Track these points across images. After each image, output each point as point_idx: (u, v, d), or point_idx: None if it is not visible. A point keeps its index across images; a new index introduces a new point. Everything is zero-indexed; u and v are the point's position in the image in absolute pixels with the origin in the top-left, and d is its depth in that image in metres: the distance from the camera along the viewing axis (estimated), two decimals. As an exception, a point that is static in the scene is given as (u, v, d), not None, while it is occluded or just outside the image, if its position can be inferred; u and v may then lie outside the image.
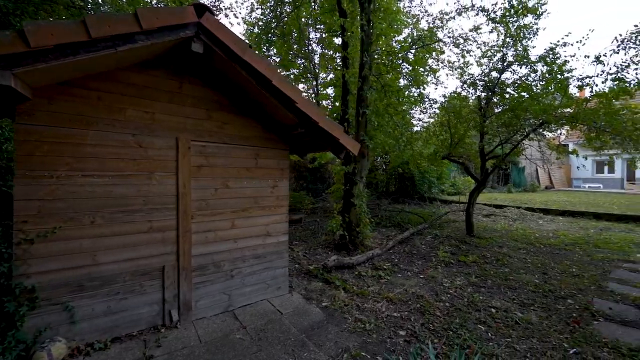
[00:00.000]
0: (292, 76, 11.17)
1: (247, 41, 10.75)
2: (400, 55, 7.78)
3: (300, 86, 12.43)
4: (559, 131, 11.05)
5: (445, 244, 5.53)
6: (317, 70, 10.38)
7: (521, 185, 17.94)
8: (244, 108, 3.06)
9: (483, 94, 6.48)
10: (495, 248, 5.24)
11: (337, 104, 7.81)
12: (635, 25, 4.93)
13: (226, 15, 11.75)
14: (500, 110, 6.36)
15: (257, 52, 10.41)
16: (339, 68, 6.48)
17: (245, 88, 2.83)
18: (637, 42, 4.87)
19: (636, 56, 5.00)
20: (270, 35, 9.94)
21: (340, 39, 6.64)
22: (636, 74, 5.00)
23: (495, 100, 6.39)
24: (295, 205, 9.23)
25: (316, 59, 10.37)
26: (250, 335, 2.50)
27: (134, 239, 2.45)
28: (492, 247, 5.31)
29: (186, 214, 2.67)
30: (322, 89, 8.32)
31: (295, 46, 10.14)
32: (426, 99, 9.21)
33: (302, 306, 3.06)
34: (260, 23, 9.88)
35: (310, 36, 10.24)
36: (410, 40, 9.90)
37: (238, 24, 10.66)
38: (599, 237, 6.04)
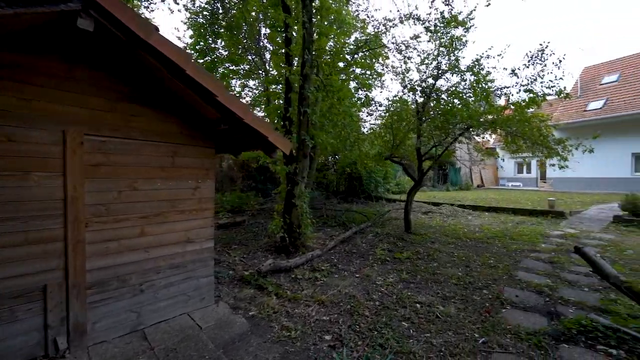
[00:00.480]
0: (241, 72, 10.67)
1: (189, 30, 9.91)
2: (344, 56, 7.89)
3: (251, 83, 11.96)
4: (487, 136, 12.27)
5: (384, 242, 5.72)
6: (269, 67, 10.05)
7: (457, 184, 19.71)
8: (158, 100, 2.72)
9: (420, 99, 6.86)
10: (429, 244, 5.57)
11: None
12: (540, 44, 5.62)
13: (162, 1, 10.74)
14: (434, 114, 6.79)
15: (201, 42, 9.81)
16: (282, 65, 6.30)
17: (157, 77, 2.51)
18: (541, 60, 5.57)
19: (542, 71, 5.72)
20: (216, 26, 9.35)
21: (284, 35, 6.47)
22: (541, 86, 5.72)
23: (431, 105, 6.81)
24: (240, 207, 8.82)
25: (268, 55, 10.04)
26: (158, 358, 2.20)
27: (2, 254, 1.99)
28: (425, 243, 5.63)
29: (78, 221, 2.26)
30: (267, 85, 8.02)
31: (245, 41, 9.68)
32: (373, 102, 9.55)
33: (226, 317, 2.83)
34: (205, 12, 9.24)
35: (262, 32, 9.88)
36: (357, 43, 10.15)
37: (179, 10, 9.72)
38: (514, 230, 6.81)
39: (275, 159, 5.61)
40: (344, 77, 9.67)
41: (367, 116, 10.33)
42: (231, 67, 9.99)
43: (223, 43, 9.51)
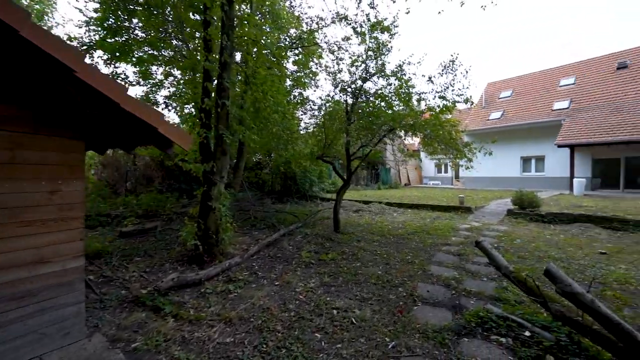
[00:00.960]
0: (167, 58, 9.34)
1: (92, 3, 8.24)
2: (278, 51, 7.51)
3: (177, 72, 10.61)
4: (410, 139, 13.21)
5: (312, 243, 5.56)
6: (197, 54, 8.99)
7: (388, 183, 21.13)
8: (-16, 71, 1.97)
9: (350, 100, 6.93)
10: (355, 243, 5.60)
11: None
12: (451, 55, 6.16)
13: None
14: (362, 115, 6.94)
15: (111, 18, 8.23)
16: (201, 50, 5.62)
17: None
18: (452, 70, 6.11)
19: (453, 80, 6.28)
20: (130, 5, 7.96)
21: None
22: (452, 94, 6.28)
23: (359, 106, 6.93)
24: (156, 210, 7.72)
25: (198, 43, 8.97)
26: None
27: None
28: (352, 242, 5.66)
29: None
30: (183, 73, 7.12)
31: (171, 25, 8.46)
32: (307, 101, 9.40)
33: (97, 356, 2.23)
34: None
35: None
36: (291, 39, 9.85)
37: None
38: (432, 225, 7.40)
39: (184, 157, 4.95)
40: (278, 73, 9.34)
41: (301, 115, 10.17)
42: (151, 52, 8.68)
43: (141, 23, 8.18)
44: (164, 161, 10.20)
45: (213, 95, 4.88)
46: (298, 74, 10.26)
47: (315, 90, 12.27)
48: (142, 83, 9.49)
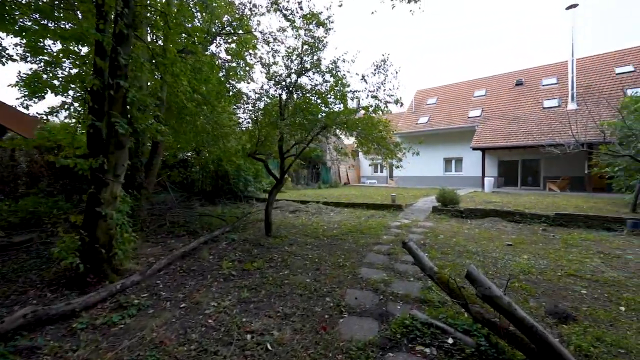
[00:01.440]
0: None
1: None
2: (186, 29, 6.60)
3: (84, 50, 8.61)
4: (349, 137, 13.36)
5: (237, 250, 4.96)
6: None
7: (328, 182, 21.35)
8: None
9: (284, 95, 6.49)
10: (286, 247, 5.19)
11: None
12: (382, 55, 6.20)
13: None
14: (296, 111, 6.56)
15: None
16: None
17: None
18: (383, 69, 6.15)
19: (384, 80, 6.33)
20: None
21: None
22: (384, 94, 6.34)
23: (295, 102, 6.54)
24: (39, 218, 6.10)
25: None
26: None
27: None
28: (283, 246, 5.24)
29: None
30: (64, 43, 5.69)
31: None
32: (242, 95, 8.62)
33: None
34: None
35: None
36: (222, 24, 8.93)
37: None
38: (365, 223, 7.44)
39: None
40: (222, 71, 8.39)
41: (235, 109, 9.35)
42: (45, 22, 6.79)
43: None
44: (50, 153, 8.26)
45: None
46: (231, 64, 9.43)
47: (249, 83, 11.42)
48: (30, 59, 7.45)
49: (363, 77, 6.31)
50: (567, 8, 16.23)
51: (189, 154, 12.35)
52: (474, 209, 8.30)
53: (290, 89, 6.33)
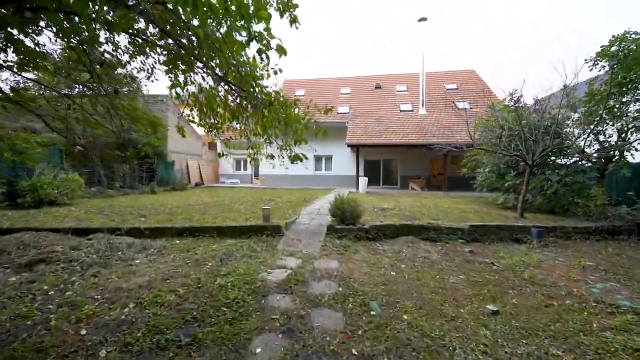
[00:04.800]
0: None
1: None
2: None
3: None
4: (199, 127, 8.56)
5: None
6: None
7: (170, 183, 15.26)
8: None
9: None
10: None
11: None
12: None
13: None
14: None
15: None
16: None
17: None
18: None
19: None
20: None
21: None
22: None
23: None
24: None
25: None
26: None
27: None
28: None
29: None
30: None
31: None
32: None
33: None
34: None
35: None
36: None
37: None
38: (212, 287, 3.37)
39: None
40: None
41: None
42: None
43: None
44: None
45: None
46: None
47: None
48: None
49: None
50: (419, 20, 17.56)
51: None
52: (381, 226, 5.79)
53: None
